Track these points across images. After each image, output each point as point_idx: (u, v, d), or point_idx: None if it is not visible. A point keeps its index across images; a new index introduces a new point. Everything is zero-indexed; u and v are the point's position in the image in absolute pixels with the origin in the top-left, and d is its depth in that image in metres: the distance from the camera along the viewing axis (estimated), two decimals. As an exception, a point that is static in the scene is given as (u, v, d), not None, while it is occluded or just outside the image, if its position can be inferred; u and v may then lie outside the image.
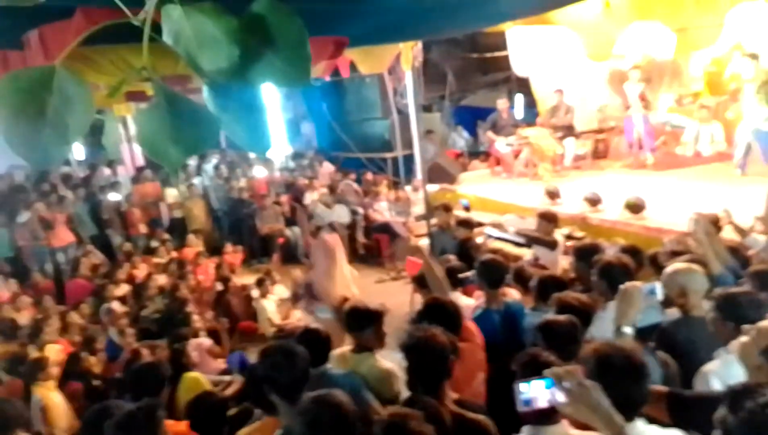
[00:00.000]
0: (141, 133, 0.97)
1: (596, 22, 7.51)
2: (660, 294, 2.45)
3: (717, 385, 2.12)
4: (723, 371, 2.12)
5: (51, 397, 4.42)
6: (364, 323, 3.03)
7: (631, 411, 1.64)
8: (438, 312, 2.99)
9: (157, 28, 0.97)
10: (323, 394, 2.09)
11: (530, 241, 5.56)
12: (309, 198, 10.24)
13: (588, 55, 8.52)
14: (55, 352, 5.30)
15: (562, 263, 5.17)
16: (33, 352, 5.25)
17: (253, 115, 1.00)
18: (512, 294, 4.01)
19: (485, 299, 3.71)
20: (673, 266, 3.01)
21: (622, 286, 2.27)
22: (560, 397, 1.50)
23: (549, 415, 1.80)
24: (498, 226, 6.64)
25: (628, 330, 2.17)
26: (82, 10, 2.82)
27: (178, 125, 0.95)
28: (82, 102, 0.90)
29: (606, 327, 2.62)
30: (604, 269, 3.24)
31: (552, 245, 5.25)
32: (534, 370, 1.88)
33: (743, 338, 1.94)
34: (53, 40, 3.10)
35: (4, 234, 8.96)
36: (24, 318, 6.42)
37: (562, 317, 2.75)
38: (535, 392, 1.62)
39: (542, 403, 1.60)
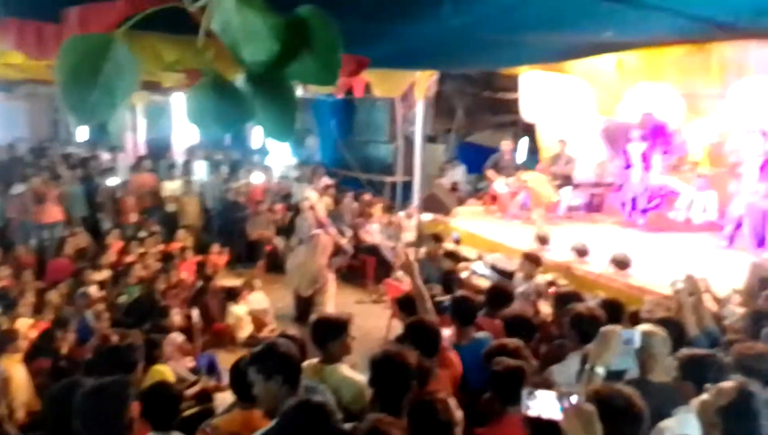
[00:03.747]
0: (190, 109, 1.09)
1: (608, 77, 7.68)
2: (638, 342, 2.50)
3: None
4: (678, 429, 2.16)
5: (15, 369, 4.39)
6: (332, 334, 3.00)
7: None
8: (419, 333, 3.06)
9: (187, 22, 1.05)
10: (308, 399, 2.15)
11: (493, 270, 5.71)
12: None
13: (597, 109, 8.66)
14: (26, 326, 5.27)
15: (543, 309, 5.24)
16: (4, 324, 5.21)
17: (281, 106, 1.10)
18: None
19: (455, 334, 3.72)
20: (638, 326, 3.03)
21: (602, 329, 2.33)
22: (558, 413, 1.68)
23: (546, 428, 1.93)
24: (480, 259, 6.74)
25: (600, 370, 2.23)
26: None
27: (222, 105, 1.06)
28: (131, 72, 1.01)
29: (569, 373, 2.67)
30: (575, 319, 3.30)
31: (509, 276, 5.39)
32: None
33: (704, 396, 2.00)
34: (94, 21, 3.18)
35: (-3, 203, 8.95)
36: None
37: (511, 361, 2.85)
38: (542, 401, 1.77)
39: (543, 413, 1.76)
